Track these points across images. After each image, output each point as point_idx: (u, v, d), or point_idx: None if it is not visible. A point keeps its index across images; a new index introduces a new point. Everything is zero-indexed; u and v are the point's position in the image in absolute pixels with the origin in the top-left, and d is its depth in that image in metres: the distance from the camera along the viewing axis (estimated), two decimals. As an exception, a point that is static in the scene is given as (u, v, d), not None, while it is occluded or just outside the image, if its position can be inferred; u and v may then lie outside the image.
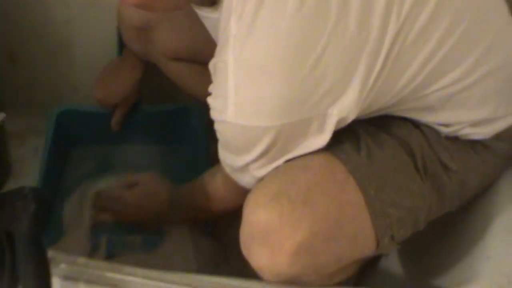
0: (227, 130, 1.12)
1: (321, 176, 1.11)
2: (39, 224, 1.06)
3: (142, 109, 1.79)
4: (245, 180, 1.21)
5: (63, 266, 1.06)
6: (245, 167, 1.17)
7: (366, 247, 1.14)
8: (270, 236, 1.06)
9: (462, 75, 1.12)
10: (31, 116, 1.93)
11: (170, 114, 1.82)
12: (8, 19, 1.81)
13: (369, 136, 1.17)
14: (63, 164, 1.76)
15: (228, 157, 1.23)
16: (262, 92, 1.04)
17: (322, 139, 1.07)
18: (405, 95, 1.13)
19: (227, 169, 1.27)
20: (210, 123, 1.26)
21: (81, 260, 1.09)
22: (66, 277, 1.07)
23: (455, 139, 1.22)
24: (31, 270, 1.02)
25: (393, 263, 1.49)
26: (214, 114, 1.12)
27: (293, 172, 1.11)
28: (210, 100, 1.13)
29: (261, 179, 1.15)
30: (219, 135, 1.17)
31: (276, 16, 1.00)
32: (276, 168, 1.14)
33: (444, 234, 1.36)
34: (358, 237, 1.12)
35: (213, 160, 1.45)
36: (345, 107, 1.04)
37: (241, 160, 1.16)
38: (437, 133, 1.21)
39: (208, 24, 1.29)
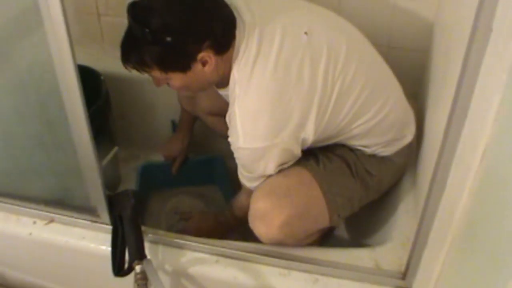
0: (241, 154, 1.60)
1: (296, 180, 1.66)
2: (137, 211, 1.61)
3: (190, 159, 2.39)
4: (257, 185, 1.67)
5: (150, 235, 1.67)
6: (258, 178, 1.64)
7: (323, 222, 1.69)
8: (265, 216, 1.61)
9: (373, 115, 1.65)
10: (132, 148, 2.57)
11: (206, 162, 2.45)
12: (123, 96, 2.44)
13: (324, 156, 1.71)
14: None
15: (245, 174, 1.67)
16: (257, 125, 1.54)
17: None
18: (341, 128, 1.64)
19: (245, 181, 1.72)
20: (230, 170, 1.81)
21: (160, 231, 1.70)
22: (151, 242, 1.67)
23: (374, 156, 1.74)
24: (133, 238, 1.56)
25: (341, 232, 2.02)
26: (232, 145, 1.60)
27: (278, 178, 1.64)
28: (229, 138, 1.60)
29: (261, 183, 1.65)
30: (237, 159, 1.64)
31: (261, 79, 1.52)
32: (268, 177, 1.65)
33: (370, 213, 1.85)
34: (318, 216, 1.67)
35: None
36: (307, 132, 1.57)
37: (254, 172, 1.63)
38: (363, 152, 1.74)
39: (223, 95, 1.74)
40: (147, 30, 1.46)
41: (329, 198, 1.66)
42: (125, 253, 1.58)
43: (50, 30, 1.32)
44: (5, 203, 1.80)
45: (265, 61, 1.53)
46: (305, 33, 1.57)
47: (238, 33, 1.55)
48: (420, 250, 1.43)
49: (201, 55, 1.51)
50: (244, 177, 1.71)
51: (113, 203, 1.66)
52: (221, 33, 1.53)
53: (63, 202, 1.75)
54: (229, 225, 1.96)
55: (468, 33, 1.08)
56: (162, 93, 2.40)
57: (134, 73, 2.20)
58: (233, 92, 1.57)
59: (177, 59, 1.53)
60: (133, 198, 1.64)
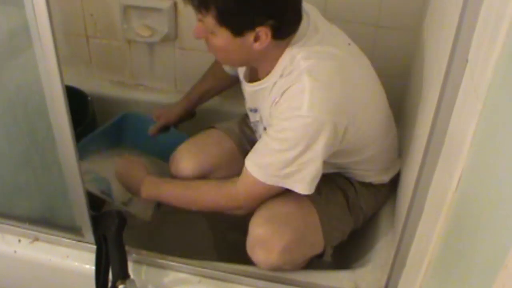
0: (295, 124, 1.48)
1: (295, 206, 1.65)
2: (120, 231, 1.62)
3: (171, 130, 2.24)
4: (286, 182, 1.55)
5: (134, 255, 1.68)
6: (292, 163, 1.51)
7: (318, 249, 1.71)
8: (266, 243, 1.60)
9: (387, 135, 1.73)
10: None
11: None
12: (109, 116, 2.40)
13: (326, 186, 1.71)
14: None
15: (277, 160, 1.52)
16: (328, 96, 1.48)
17: None
18: (362, 145, 1.65)
19: (256, 168, 1.57)
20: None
21: (143, 251, 1.71)
22: (135, 261, 1.69)
23: (368, 185, 1.77)
24: (117, 258, 1.57)
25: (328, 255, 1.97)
26: (284, 115, 1.50)
27: (278, 204, 1.64)
28: (280, 111, 1.51)
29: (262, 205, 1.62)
30: (280, 132, 1.51)
31: (333, 54, 1.54)
32: (267, 202, 1.63)
33: (351, 235, 1.84)
34: (315, 243, 1.69)
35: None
36: (346, 132, 1.54)
37: (294, 152, 1.49)
38: (359, 183, 1.77)
39: (251, 90, 1.70)
40: None
41: (327, 230, 1.69)
42: (109, 272, 1.59)
43: (39, 51, 1.34)
44: (-10, 221, 1.80)
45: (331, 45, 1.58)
46: (349, 44, 1.66)
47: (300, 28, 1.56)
48: (398, 273, 1.46)
49: (260, 28, 1.48)
50: (263, 163, 1.58)
51: (97, 222, 1.68)
52: (288, 21, 1.52)
53: (48, 221, 1.76)
54: (149, 187, 1.82)
55: (445, 64, 1.12)
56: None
57: (120, 94, 2.25)
58: (293, 68, 1.54)
59: (238, 18, 1.48)
60: (117, 218, 1.65)
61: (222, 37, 1.52)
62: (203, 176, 1.88)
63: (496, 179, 0.86)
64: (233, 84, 2.07)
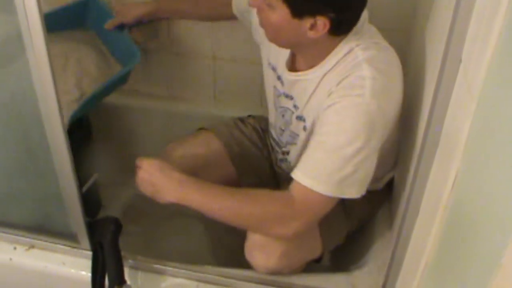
0: (356, 112, 1.41)
1: None
2: (116, 237, 1.62)
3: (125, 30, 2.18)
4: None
5: (130, 261, 1.68)
6: (348, 162, 1.42)
7: (316, 253, 1.70)
8: (265, 247, 1.57)
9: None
10: (112, 174, 2.50)
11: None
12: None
13: None
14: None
15: (332, 161, 1.43)
16: (390, 84, 1.45)
17: None
18: None
19: (326, 187, 1.44)
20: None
21: (139, 257, 1.70)
22: (131, 267, 1.68)
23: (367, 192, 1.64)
24: (113, 264, 1.58)
25: (326, 260, 2.02)
26: (347, 102, 1.42)
27: None
28: (340, 95, 1.44)
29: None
30: (340, 124, 1.43)
31: (390, 51, 1.53)
32: None
33: (350, 240, 1.84)
34: (313, 248, 1.68)
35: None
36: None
37: (352, 147, 1.41)
38: None
39: (293, 80, 1.63)
40: None
41: (325, 234, 1.68)
42: (105, 278, 1.59)
43: (33, 58, 1.34)
44: (-15, 228, 1.80)
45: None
46: None
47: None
48: (395, 274, 1.46)
49: (320, 18, 1.42)
50: (315, 169, 1.47)
51: (93, 229, 1.67)
52: (348, 19, 1.48)
53: (44, 228, 1.76)
54: (186, 187, 1.58)
55: (438, 63, 1.13)
56: (141, 120, 2.45)
57: (115, 99, 2.24)
58: (349, 60, 1.50)
59: (304, 4, 1.43)
60: (113, 224, 1.65)
61: (280, 14, 1.45)
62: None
63: (491, 179, 0.87)
64: (220, 19, 2.13)
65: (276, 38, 1.55)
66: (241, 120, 2.05)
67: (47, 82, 1.36)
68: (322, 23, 1.42)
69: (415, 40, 1.88)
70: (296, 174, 1.49)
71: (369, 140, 1.42)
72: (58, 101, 1.39)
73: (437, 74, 1.14)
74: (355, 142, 1.41)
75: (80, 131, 2.15)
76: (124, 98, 2.50)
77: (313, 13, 1.41)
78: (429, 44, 1.57)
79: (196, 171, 1.79)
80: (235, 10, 1.98)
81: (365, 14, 1.56)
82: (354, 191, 1.47)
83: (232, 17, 2.00)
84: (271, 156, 1.97)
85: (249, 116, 2.07)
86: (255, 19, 1.64)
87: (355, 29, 1.52)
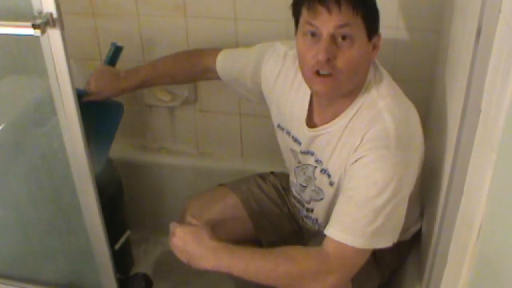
0: (387, 161, 1.45)
1: None
2: None
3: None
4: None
5: None
6: (379, 213, 1.45)
7: None
8: (318, 275, 1.50)
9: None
10: (143, 231, 2.58)
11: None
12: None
13: None
14: None
15: (364, 214, 1.45)
16: (411, 132, 1.51)
17: None
18: None
19: (360, 240, 1.46)
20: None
21: None
22: None
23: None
24: None
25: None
26: (375, 155, 1.46)
27: None
28: (365, 148, 1.48)
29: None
30: (370, 177, 1.46)
31: (403, 97, 1.57)
32: None
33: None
34: None
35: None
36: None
37: (382, 198, 1.44)
38: None
39: (323, 137, 1.62)
40: None
41: (357, 285, 1.65)
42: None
43: (64, 119, 1.39)
44: (17, 287, 1.82)
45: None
46: None
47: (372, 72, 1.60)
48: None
49: (379, 35, 1.54)
50: (347, 224, 1.49)
51: (124, 286, 1.71)
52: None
53: (75, 285, 1.78)
54: (221, 254, 1.57)
55: (459, 113, 1.14)
56: (170, 177, 2.48)
57: (143, 158, 2.27)
58: (368, 108, 1.54)
59: (377, 17, 1.53)
60: (144, 281, 1.71)
61: (360, 42, 1.48)
62: None
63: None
64: (204, 80, 2.13)
65: (353, 76, 1.52)
66: (261, 177, 2.05)
67: (78, 143, 1.40)
68: (379, 39, 1.54)
69: (436, 90, 1.89)
70: (329, 231, 1.51)
71: (398, 190, 1.45)
72: (89, 161, 1.43)
73: (458, 124, 1.16)
74: (384, 193, 1.44)
75: (111, 190, 2.18)
76: (153, 156, 2.54)
77: (377, 29, 1.53)
78: (449, 94, 1.59)
79: (213, 225, 1.79)
80: (221, 76, 1.97)
81: (378, 64, 1.61)
82: (387, 241, 1.49)
83: (218, 78, 2.00)
84: (292, 213, 1.97)
85: (271, 172, 2.08)
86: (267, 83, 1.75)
87: (373, 76, 1.58)
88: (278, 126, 1.82)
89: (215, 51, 1.96)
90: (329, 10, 1.43)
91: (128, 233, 1.94)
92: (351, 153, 1.53)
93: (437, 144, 1.63)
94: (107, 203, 1.77)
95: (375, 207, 1.45)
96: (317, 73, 1.50)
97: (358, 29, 1.46)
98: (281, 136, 1.84)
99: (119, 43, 2.10)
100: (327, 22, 1.44)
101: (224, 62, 1.94)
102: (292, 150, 1.79)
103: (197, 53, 2.05)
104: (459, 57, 1.41)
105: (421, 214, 1.84)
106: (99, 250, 1.59)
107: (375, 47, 1.53)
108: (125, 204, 2.33)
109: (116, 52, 2.10)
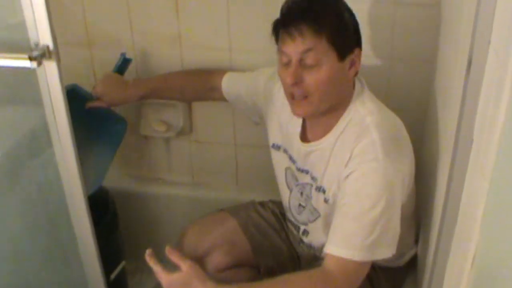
0: (376, 173, 1.50)
1: None
2: None
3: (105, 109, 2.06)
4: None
5: None
6: (376, 224, 1.47)
7: None
8: None
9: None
10: (138, 261, 2.39)
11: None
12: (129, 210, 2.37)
13: None
14: None
15: (362, 227, 1.48)
16: (399, 146, 1.55)
17: None
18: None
19: (360, 253, 1.49)
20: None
21: None
22: None
23: (385, 269, 1.75)
24: None
25: None
26: (364, 168, 1.50)
27: None
28: (353, 163, 1.52)
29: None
30: (363, 190, 1.50)
31: (390, 113, 1.62)
32: None
33: None
34: None
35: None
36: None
37: (377, 210, 1.48)
38: (378, 267, 1.74)
39: (316, 153, 1.66)
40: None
41: None
42: None
43: (59, 150, 1.40)
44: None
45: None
46: None
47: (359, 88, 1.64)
48: None
49: (357, 51, 1.57)
50: (346, 238, 1.52)
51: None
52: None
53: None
54: None
55: (452, 142, 1.16)
56: (166, 207, 2.48)
57: (139, 188, 2.26)
58: (356, 124, 1.58)
59: (348, 37, 1.56)
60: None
61: (329, 64, 1.53)
62: (206, 255, 1.84)
63: (509, 255, 0.87)
64: (210, 100, 2.14)
65: (326, 97, 1.57)
66: (261, 203, 2.07)
67: (73, 173, 1.40)
68: (358, 56, 1.57)
69: (430, 119, 1.90)
70: (329, 248, 1.53)
71: (391, 200, 1.49)
72: (84, 192, 1.43)
73: (451, 153, 1.17)
74: (378, 204, 1.48)
75: (106, 220, 2.18)
76: (148, 186, 2.54)
77: (352, 48, 1.56)
78: (442, 123, 1.60)
79: (212, 249, 1.83)
80: (226, 95, 2.04)
81: (361, 78, 1.66)
82: (386, 251, 1.52)
83: (223, 100, 2.06)
84: (290, 239, 1.97)
85: (270, 200, 2.09)
86: (263, 100, 1.82)
87: (359, 92, 1.62)
88: (273, 145, 1.86)
89: (223, 71, 2.05)
90: (292, 38, 1.52)
91: (123, 263, 1.93)
92: (342, 168, 1.57)
93: (431, 172, 1.64)
94: (102, 233, 1.77)
95: (371, 219, 1.48)
96: (293, 97, 1.58)
97: (324, 52, 1.52)
98: (276, 156, 1.87)
99: (128, 55, 2.13)
100: (293, 48, 1.53)
101: (229, 81, 2.01)
102: (288, 168, 1.82)
103: (207, 70, 2.12)
104: (451, 86, 1.42)
105: (416, 240, 1.85)
106: (94, 280, 1.59)
107: (353, 63, 1.56)
108: (121, 234, 2.32)
109: (124, 62, 2.12)
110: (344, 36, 1.54)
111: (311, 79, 1.54)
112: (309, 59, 1.52)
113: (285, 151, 1.81)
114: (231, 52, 2.18)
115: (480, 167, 1.05)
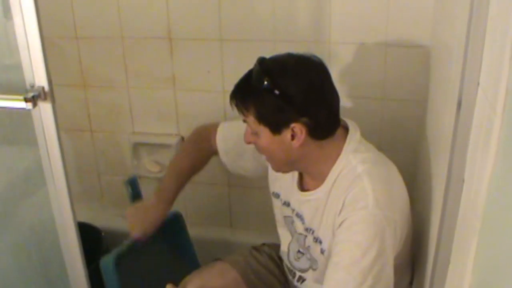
0: (367, 221, 1.48)
1: None
2: None
3: None
4: None
5: None
6: (368, 274, 1.45)
7: None
8: None
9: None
10: None
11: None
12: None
13: None
14: None
15: (353, 277, 1.46)
16: (390, 192, 1.53)
17: None
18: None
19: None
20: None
21: None
22: None
23: None
24: None
25: None
26: (356, 217, 1.49)
27: None
28: (344, 212, 1.51)
29: None
30: (354, 238, 1.48)
31: (383, 159, 1.62)
32: None
33: None
34: None
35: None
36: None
37: (368, 259, 1.45)
38: None
39: (305, 200, 1.68)
40: (266, 78, 1.53)
41: None
42: None
43: (53, 190, 1.40)
44: None
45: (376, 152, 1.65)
46: None
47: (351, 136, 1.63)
48: None
49: (294, 125, 1.53)
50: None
51: None
52: (322, 120, 1.57)
53: None
54: None
55: (443, 182, 1.17)
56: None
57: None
58: (348, 173, 1.58)
59: (274, 115, 1.55)
60: None
61: (264, 136, 1.58)
62: None
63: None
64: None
65: (275, 162, 1.68)
66: (256, 249, 2.05)
67: (66, 213, 1.40)
68: (298, 129, 1.54)
69: (422, 158, 1.92)
70: None
71: (382, 249, 1.47)
72: (77, 233, 1.43)
73: (443, 193, 1.18)
74: (369, 253, 1.46)
75: (99, 260, 2.17)
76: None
77: (287, 123, 1.54)
78: (433, 163, 1.61)
79: None
80: (223, 158, 2.00)
81: (355, 125, 1.67)
82: None
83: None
84: (288, 281, 1.96)
85: (263, 244, 2.08)
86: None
87: (351, 140, 1.62)
88: (273, 193, 1.87)
89: (214, 132, 1.99)
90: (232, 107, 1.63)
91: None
92: (336, 217, 1.57)
93: (424, 211, 1.65)
94: (94, 273, 1.77)
95: (362, 268, 1.46)
96: None
97: (256, 126, 1.58)
98: (276, 203, 1.87)
99: (130, 176, 2.12)
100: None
101: (223, 141, 1.98)
102: (286, 217, 1.82)
103: (200, 138, 2.05)
104: (441, 126, 1.44)
105: (411, 283, 1.83)
106: (87, 322, 1.58)
107: (294, 136, 1.55)
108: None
109: (133, 187, 2.09)
110: (270, 116, 1.56)
111: (256, 146, 1.66)
112: (250, 127, 1.62)
113: (285, 201, 1.82)
114: (225, 94, 2.20)
115: (471, 207, 1.05)
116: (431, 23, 1.91)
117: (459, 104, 1.09)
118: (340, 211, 1.55)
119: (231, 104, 1.63)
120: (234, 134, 1.87)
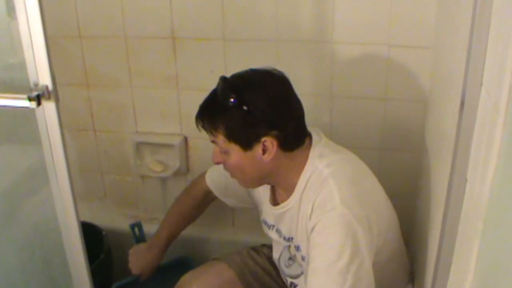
0: (336, 222, 1.49)
1: None
2: None
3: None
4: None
5: None
6: (346, 274, 1.45)
7: None
8: None
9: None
10: None
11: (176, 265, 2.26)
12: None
13: None
14: None
15: (333, 279, 1.46)
16: (356, 190, 1.54)
17: None
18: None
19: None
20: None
21: None
22: None
23: None
24: None
25: None
26: (325, 219, 1.50)
27: None
28: (316, 214, 1.53)
29: None
30: (327, 243, 1.49)
31: (350, 156, 1.65)
32: None
33: None
34: None
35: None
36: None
37: (344, 259, 1.45)
38: None
39: (287, 214, 1.68)
40: (233, 95, 1.54)
41: None
42: None
43: (56, 189, 1.40)
44: None
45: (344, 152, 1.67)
46: None
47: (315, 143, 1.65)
48: None
49: (265, 139, 1.55)
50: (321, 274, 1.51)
51: None
52: (291, 132, 1.59)
53: None
54: None
55: (446, 182, 1.17)
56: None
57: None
58: (315, 178, 1.59)
59: (244, 131, 1.57)
60: None
61: (234, 153, 1.60)
62: None
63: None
64: (209, 203, 2.17)
65: (245, 179, 1.70)
66: (255, 249, 2.07)
67: (70, 212, 1.41)
68: (269, 142, 1.56)
69: (424, 159, 1.91)
70: None
71: (357, 247, 1.47)
72: (80, 232, 1.43)
73: (446, 193, 1.18)
74: (344, 253, 1.46)
75: (101, 259, 2.17)
76: (144, 226, 2.53)
77: (258, 138, 1.56)
78: (436, 163, 1.61)
79: None
80: (216, 191, 2.08)
81: (317, 130, 1.70)
82: None
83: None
84: (286, 284, 1.96)
85: (263, 245, 2.08)
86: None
87: (316, 147, 1.64)
88: (262, 221, 1.90)
89: (203, 175, 2.10)
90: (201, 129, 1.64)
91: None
92: (307, 222, 1.58)
93: (425, 212, 1.65)
94: (97, 272, 1.77)
95: (340, 269, 1.46)
96: None
97: (226, 144, 1.60)
98: (265, 229, 1.89)
99: (134, 221, 2.26)
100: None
101: (213, 179, 2.06)
102: (272, 238, 1.85)
103: (191, 185, 2.17)
104: (444, 126, 1.44)
105: (410, 281, 1.84)
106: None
107: (265, 150, 1.57)
108: (115, 274, 2.31)
109: (138, 229, 2.23)
110: (240, 133, 1.58)
111: (226, 166, 1.69)
112: (219, 147, 1.63)
113: (264, 219, 1.86)
114: (228, 93, 2.19)
115: (473, 208, 1.05)
116: (434, 23, 1.91)
117: (462, 104, 1.09)
118: (310, 215, 1.57)
119: (197, 125, 1.65)
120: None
